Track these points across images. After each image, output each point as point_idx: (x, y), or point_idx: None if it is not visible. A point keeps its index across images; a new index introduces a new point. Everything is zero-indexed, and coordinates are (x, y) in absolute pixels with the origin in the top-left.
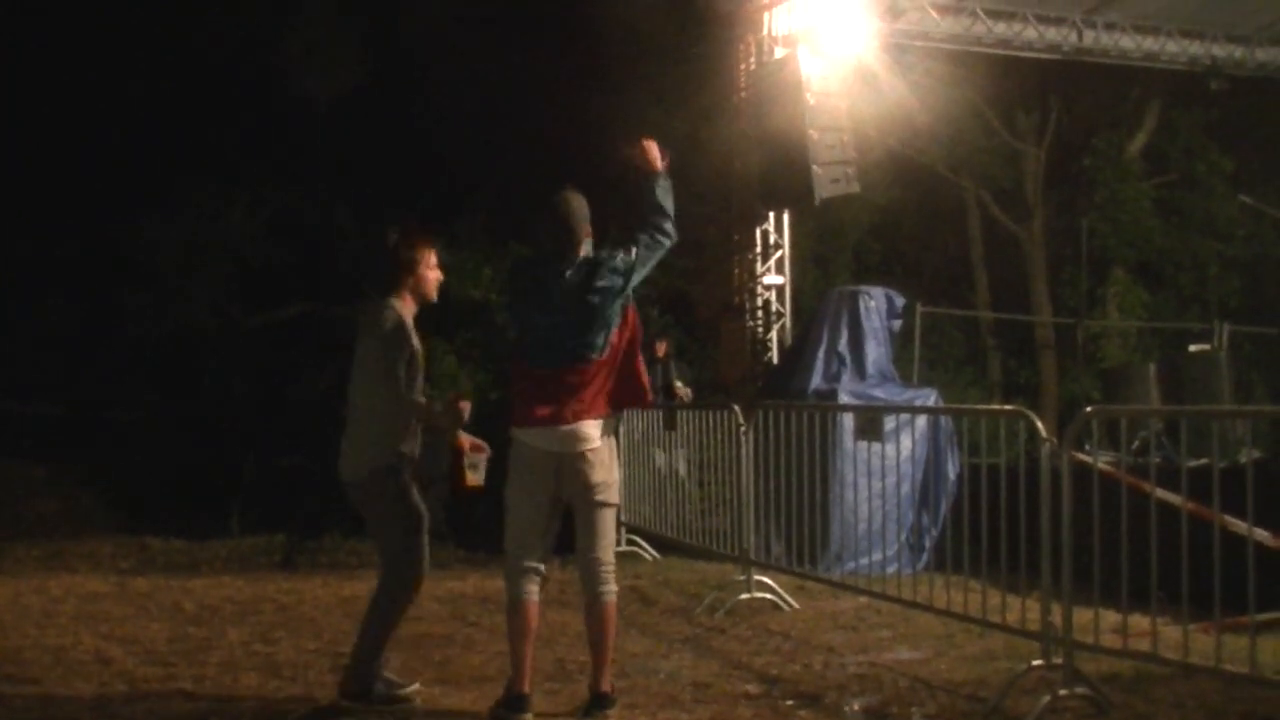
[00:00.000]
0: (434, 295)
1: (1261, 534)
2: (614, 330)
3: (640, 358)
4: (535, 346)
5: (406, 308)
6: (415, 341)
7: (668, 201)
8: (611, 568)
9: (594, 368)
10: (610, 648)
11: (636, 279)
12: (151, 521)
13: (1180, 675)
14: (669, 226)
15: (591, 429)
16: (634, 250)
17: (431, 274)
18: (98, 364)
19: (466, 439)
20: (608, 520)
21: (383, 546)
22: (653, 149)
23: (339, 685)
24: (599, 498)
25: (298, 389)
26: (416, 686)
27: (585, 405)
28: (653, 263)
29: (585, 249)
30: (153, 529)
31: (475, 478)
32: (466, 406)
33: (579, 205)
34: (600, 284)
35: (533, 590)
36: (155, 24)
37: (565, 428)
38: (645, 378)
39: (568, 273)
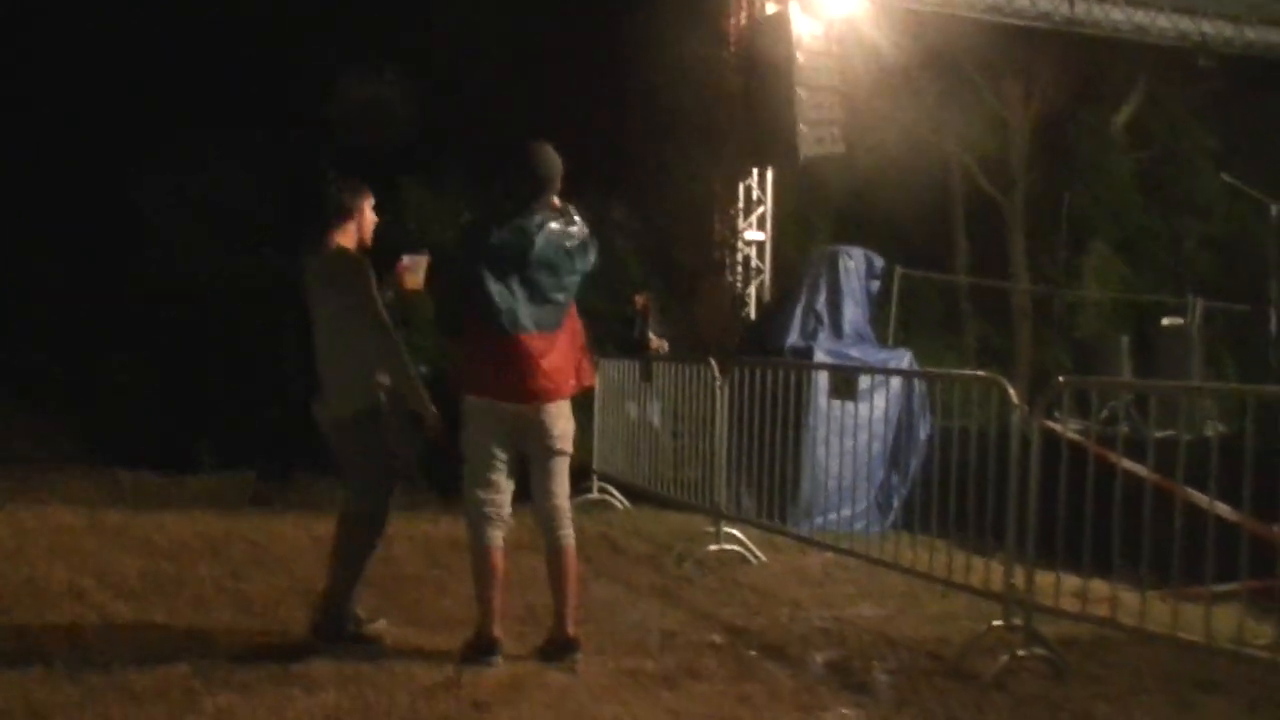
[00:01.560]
0: (370, 240)
1: (1222, 507)
2: (571, 301)
3: (582, 340)
4: (508, 311)
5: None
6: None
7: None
8: (569, 513)
9: (561, 335)
10: (573, 592)
11: (583, 266)
12: (122, 456)
13: (1136, 640)
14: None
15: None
16: (589, 240)
17: (371, 218)
18: (70, 301)
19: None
20: (564, 468)
21: (355, 486)
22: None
23: (311, 624)
24: (558, 447)
25: (272, 332)
26: (383, 623)
27: (558, 381)
28: (589, 265)
29: (548, 206)
30: (124, 463)
31: (415, 280)
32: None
33: (551, 156)
34: (572, 244)
35: (497, 536)
36: None
37: (537, 405)
38: (589, 362)
39: (539, 228)
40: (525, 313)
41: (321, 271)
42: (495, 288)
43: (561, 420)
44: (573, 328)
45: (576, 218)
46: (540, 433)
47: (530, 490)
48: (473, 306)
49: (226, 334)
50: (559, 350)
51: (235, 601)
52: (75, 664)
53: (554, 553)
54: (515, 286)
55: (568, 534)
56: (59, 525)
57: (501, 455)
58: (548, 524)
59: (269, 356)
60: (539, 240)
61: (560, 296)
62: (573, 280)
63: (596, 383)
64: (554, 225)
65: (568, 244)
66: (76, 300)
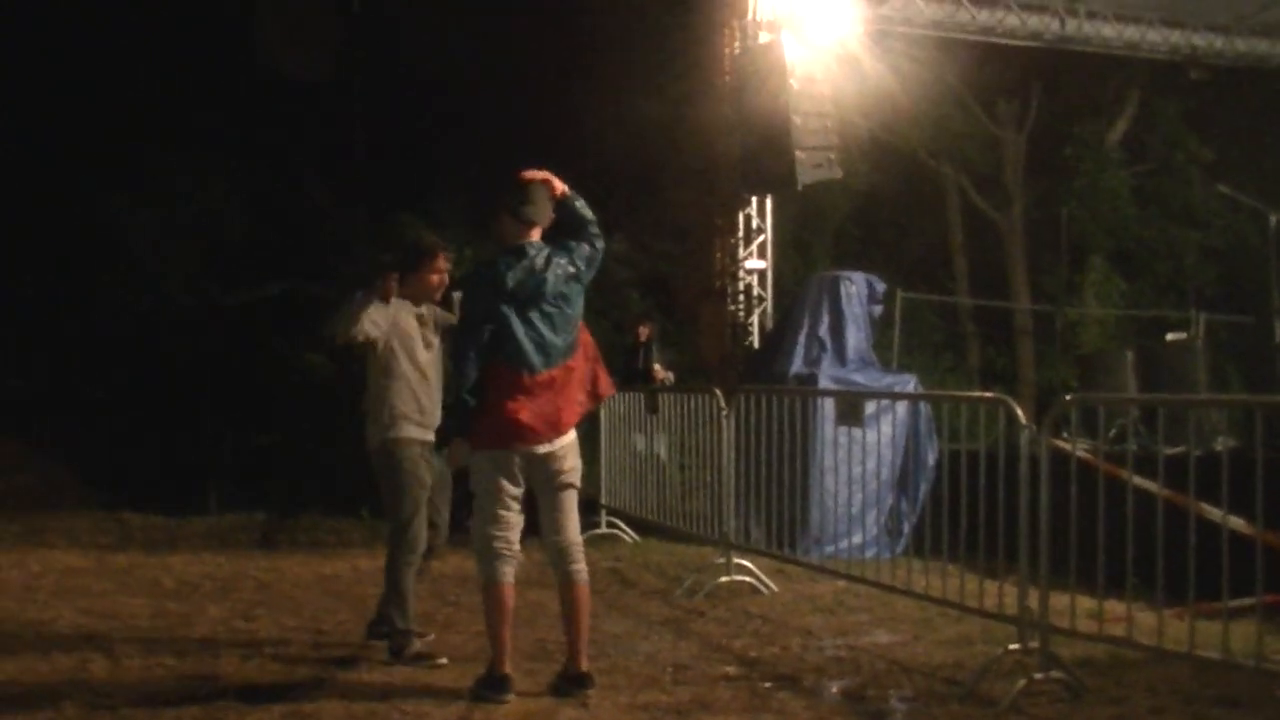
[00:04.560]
0: (432, 296)
1: (1236, 521)
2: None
3: (595, 352)
4: (525, 349)
5: (398, 302)
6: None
7: (589, 213)
8: (580, 547)
9: (575, 364)
10: (586, 626)
11: (588, 280)
12: (129, 497)
13: (1154, 660)
14: (599, 234)
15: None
16: (587, 248)
17: (430, 277)
18: (74, 340)
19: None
20: (574, 502)
21: (386, 509)
22: (553, 178)
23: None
24: (567, 482)
25: (275, 367)
26: (431, 636)
27: (570, 412)
28: (594, 269)
29: (539, 235)
30: (130, 505)
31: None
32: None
33: (542, 191)
34: (576, 270)
35: (507, 572)
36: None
37: (550, 445)
38: (605, 372)
39: (547, 263)
40: (549, 348)
41: None
42: (521, 330)
43: (571, 456)
44: (584, 341)
45: (579, 244)
46: (550, 470)
47: (540, 526)
48: (495, 352)
49: (232, 372)
50: (575, 378)
51: (244, 642)
52: (85, 706)
53: (567, 587)
54: (538, 324)
55: (580, 568)
56: (66, 567)
57: (511, 492)
58: (560, 559)
59: (275, 394)
60: (550, 276)
61: (577, 323)
62: (580, 300)
63: (602, 416)
64: (558, 259)
65: (573, 269)
66: (81, 341)
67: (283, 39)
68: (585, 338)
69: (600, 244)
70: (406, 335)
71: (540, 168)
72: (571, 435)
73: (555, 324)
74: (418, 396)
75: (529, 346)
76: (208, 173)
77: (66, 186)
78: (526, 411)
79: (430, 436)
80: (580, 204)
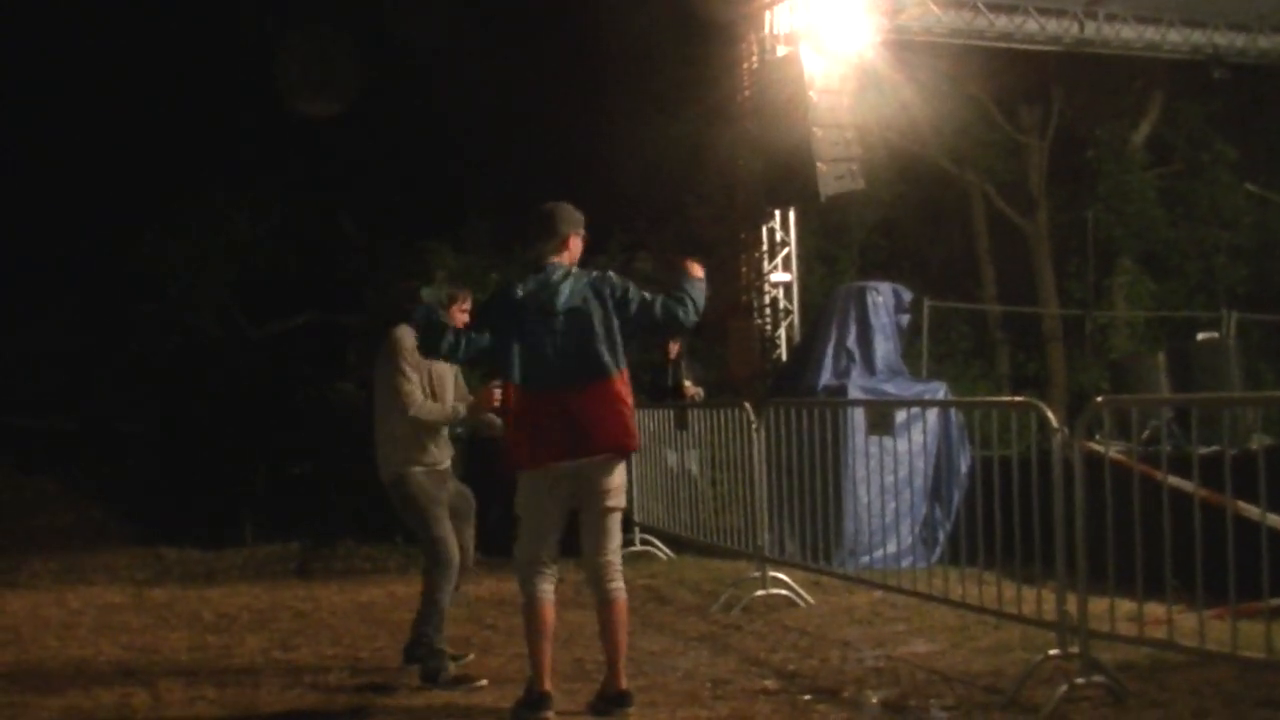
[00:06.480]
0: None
1: (1274, 519)
2: (622, 356)
3: (630, 405)
4: (541, 365)
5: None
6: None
7: (700, 297)
8: (618, 567)
9: (606, 388)
10: (624, 644)
11: (626, 317)
12: (165, 532)
13: (1197, 662)
14: (691, 311)
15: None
16: (630, 285)
17: (459, 319)
18: (106, 376)
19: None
20: (617, 523)
21: (418, 540)
22: (695, 265)
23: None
24: (610, 503)
25: (307, 396)
26: (471, 657)
27: (605, 435)
28: (649, 318)
29: (569, 258)
30: (167, 539)
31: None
32: (491, 394)
33: (567, 212)
34: (605, 292)
35: (548, 590)
36: (158, 32)
37: (588, 461)
38: (634, 423)
39: (563, 279)
40: (547, 368)
41: (381, 349)
42: (518, 344)
43: (616, 476)
44: (623, 380)
45: (621, 280)
46: (594, 489)
47: (579, 546)
48: (506, 368)
49: (264, 402)
50: (606, 402)
51: (284, 671)
52: None
53: (605, 606)
54: (542, 340)
55: (619, 586)
56: (106, 604)
57: (555, 512)
58: (599, 578)
59: (308, 424)
60: (564, 289)
61: (601, 347)
62: (612, 332)
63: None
64: (580, 278)
65: (596, 289)
66: (113, 376)
67: (303, 77)
68: (617, 401)
69: (682, 312)
70: (440, 377)
71: (565, 189)
72: (605, 457)
73: (562, 345)
74: (432, 436)
75: (522, 362)
76: (236, 204)
77: (99, 221)
78: (529, 428)
79: (441, 466)
80: (698, 288)
